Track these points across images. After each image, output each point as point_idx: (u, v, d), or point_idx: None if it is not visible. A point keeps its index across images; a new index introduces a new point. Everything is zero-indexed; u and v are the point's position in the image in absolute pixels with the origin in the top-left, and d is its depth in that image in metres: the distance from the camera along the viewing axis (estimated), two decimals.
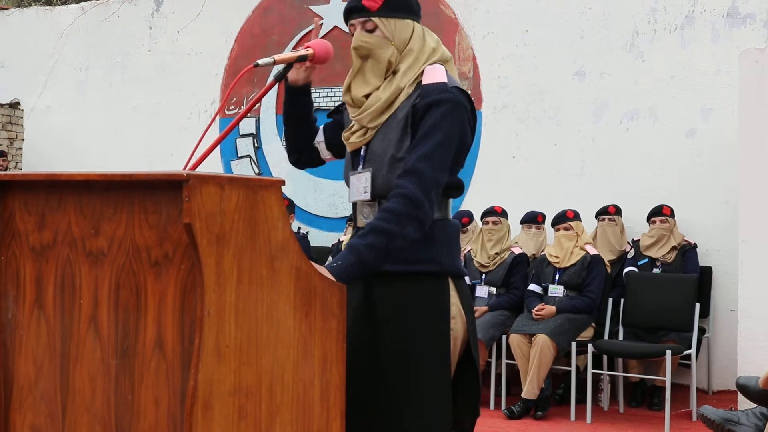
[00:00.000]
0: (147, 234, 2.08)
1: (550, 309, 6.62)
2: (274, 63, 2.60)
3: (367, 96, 2.62)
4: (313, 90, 2.89)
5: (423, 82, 2.59)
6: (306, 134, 2.90)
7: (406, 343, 2.51)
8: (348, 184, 2.72)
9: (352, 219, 2.74)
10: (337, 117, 2.88)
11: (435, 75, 2.59)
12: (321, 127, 2.93)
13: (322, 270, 2.28)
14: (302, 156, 2.94)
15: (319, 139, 2.90)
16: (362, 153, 2.65)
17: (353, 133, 2.67)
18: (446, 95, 2.54)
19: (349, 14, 2.66)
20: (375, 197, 2.60)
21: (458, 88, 2.59)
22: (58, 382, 2.22)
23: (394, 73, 2.63)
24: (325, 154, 2.92)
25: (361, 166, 2.65)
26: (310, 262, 2.21)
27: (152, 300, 2.07)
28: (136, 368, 2.08)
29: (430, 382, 2.52)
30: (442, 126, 2.51)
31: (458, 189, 2.65)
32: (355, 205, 2.69)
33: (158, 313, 2.06)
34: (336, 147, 2.87)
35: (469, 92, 2.60)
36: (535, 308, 6.67)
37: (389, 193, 2.50)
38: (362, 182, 2.62)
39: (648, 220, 7.10)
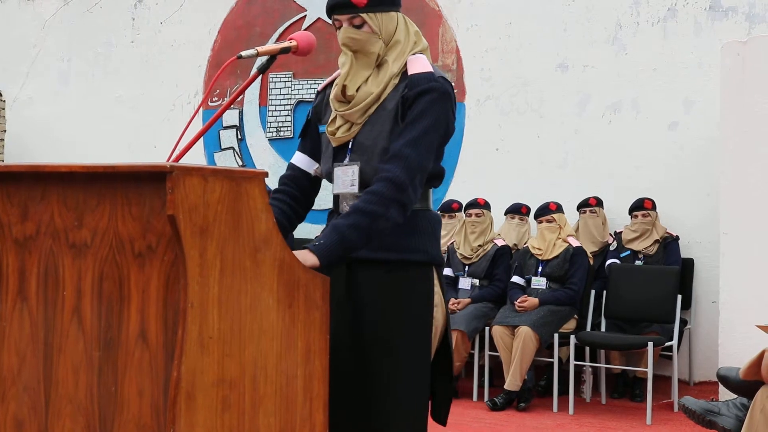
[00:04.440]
0: (130, 225, 2.08)
1: (533, 301, 6.64)
2: (258, 55, 2.59)
3: (358, 89, 2.62)
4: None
5: (408, 72, 2.60)
6: (301, 215, 2.82)
7: (390, 331, 2.52)
8: (330, 177, 2.70)
9: (333, 212, 2.72)
10: (310, 130, 2.80)
11: (420, 65, 2.61)
12: (298, 154, 2.81)
13: (303, 252, 2.29)
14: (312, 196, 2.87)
15: (311, 167, 2.79)
16: (349, 146, 2.64)
17: (338, 128, 2.65)
18: (435, 84, 2.56)
19: (334, 10, 2.63)
20: (363, 189, 2.57)
21: (444, 77, 2.62)
22: (41, 374, 2.21)
23: (381, 64, 2.64)
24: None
25: (347, 159, 2.64)
26: (293, 253, 2.21)
27: (135, 291, 2.07)
28: (119, 359, 2.09)
29: (411, 369, 2.54)
30: (430, 113, 2.53)
31: (439, 178, 2.66)
32: (337, 196, 2.68)
33: (142, 305, 2.06)
34: None
35: (453, 84, 2.61)
36: (518, 300, 6.69)
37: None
38: (349, 175, 2.62)
39: (630, 214, 7.12)
